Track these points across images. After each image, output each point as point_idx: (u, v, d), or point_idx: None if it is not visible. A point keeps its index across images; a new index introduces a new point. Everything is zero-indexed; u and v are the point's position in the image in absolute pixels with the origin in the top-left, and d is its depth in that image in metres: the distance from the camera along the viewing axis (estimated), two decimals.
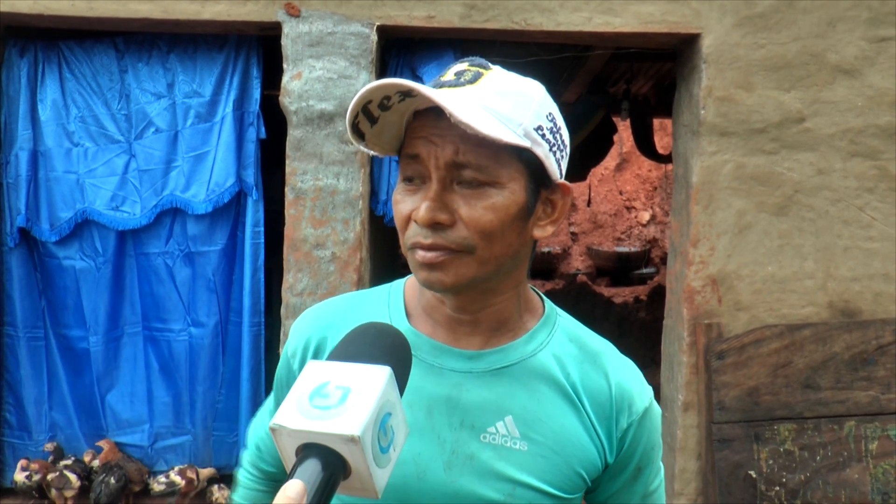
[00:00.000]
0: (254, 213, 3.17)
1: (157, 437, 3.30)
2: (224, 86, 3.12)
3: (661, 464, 1.04)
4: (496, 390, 0.93)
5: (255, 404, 3.18)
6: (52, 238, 3.15)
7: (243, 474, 1.16)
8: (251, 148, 3.15)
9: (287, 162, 2.94)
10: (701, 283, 2.94)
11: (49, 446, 3.20)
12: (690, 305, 2.94)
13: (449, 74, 0.89)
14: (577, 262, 9.29)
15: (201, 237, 3.19)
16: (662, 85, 5.23)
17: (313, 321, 1.02)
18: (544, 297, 1.04)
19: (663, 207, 9.54)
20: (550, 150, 0.89)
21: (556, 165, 0.90)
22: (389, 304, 1.01)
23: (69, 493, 3.09)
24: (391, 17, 2.89)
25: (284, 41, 2.90)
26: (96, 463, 3.16)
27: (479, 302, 0.93)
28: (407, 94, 0.83)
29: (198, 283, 3.23)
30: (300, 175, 2.94)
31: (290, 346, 1.02)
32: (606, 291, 7.60)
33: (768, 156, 2.92)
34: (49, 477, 3.09)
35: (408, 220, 0.88)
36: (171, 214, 3.19)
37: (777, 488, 2.83)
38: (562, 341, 0.98)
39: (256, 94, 3.14)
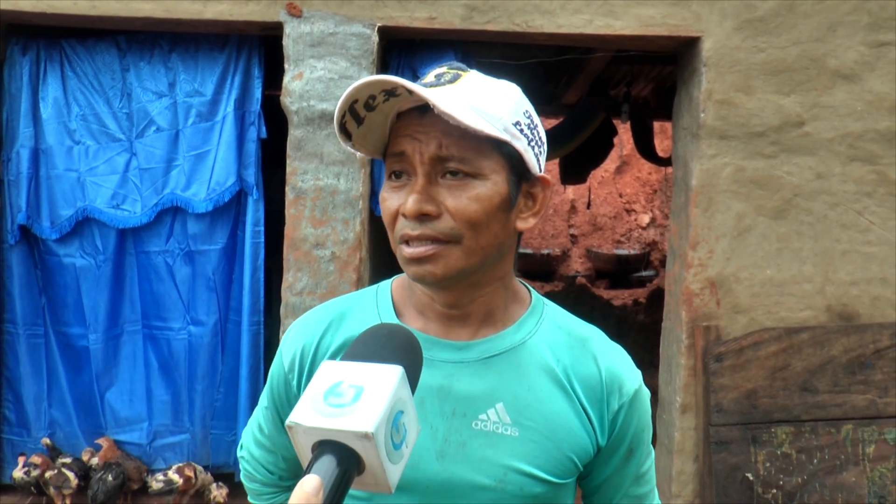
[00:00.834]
0: (254, 213, 3.18)
1: (155, 436, 3.31)
2: (225, 85, 3.13)
3: (652, 446, 1.06)
4: (487, 378, 0.95)
5: (254, 403, 3.19)
6: (52, 236, 3.16)
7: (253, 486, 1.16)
8: (252, 147, 3.16)
9: (287, 162, 2.95)
10: (699, 286, 2.95)
11: (46, 441, 3.20)
12: (689, 308, 2.95)
13: (429, 77, 0.93)
14: (577, 265, 9.30)
15: (201, 236, 3.20)
16: (663, 88, 5.23)
17: (304, 330, 1.03)
18: (531, 289, 1.07)
19: (663, 210, 9.55)
20: (529, 144, 0.92)
21: (535, 159, 0.94)
22: (378, 304, 1.03)
23: (67, 492, 3.10)
24: (392, 17, 2.90)
25: (286, 41, 2.91)
26: (95, 461, 3.17)
27: (468, 295, 0.96)
28: (391, 93, 0.86)
29: (198, 282, 3.24)
30: (300, 175, 2.94)
31: (286, 359, 1.02)
32: (605, 294, 7.62)
33: (767, 159, 2.93)
34: (47, 475, 3.09)
35: (395, 215, 0.91)
36: (172, 213, 3.19)
37: (774, 491, 2.84)
38: (550, 329, 1.00)
39: (258, 93, 3.15)
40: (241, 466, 1.17)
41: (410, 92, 0.84)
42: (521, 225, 0.95)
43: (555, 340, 0.99)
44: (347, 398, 0.65)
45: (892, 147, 2.94)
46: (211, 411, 3.30)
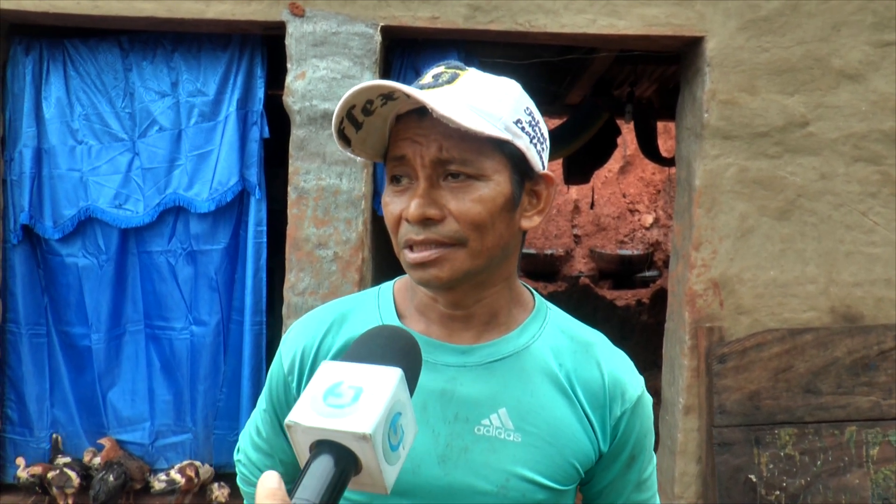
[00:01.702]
0: (256, 213, 3.18)
1: (157, 436, 3.31)
2: (228, 85, 3.13)
3: (654, 452, 1.05)
4: (490, 383, 0.94)
5: (256, 403, 3.18)
6: (55, 235, 3.16)
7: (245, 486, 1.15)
8: (254, 147, 3.16)
9: (290, 161, 2.95)
10: (703, 287, 2.94)
11: (55, 437, 3.22)
12: (692, 309, 2.94)
13: (427, 78, 0.92)
14: (580, 265, 9.29)
15: (204, 236, 3.20)
16: (666, 88, 5.23)
17: (304, 331, 1.02)
18: (534, 292, 1.06)
19: (666, 211, 9.53)
20: (531, 142, 0.91)
21: (537, 157, 0.92)
22: (379, 306, 1.02)
23: (70, 491, 3.10)
24: (395, 17, 2.89)
25: (288, 41, 2.91)
26: (97, 461, 3.17)
27: (473, 296, 0.95)
28: (389, 96, 0.85)
29: (200, 282, 3.24)
30: (303, 174, 2.94)
31: (286, 361, 1.01)
32: (609, 294, 7.61)
33: (771, 160, 2.92)
34: (49, 475, 3.09)
35: (399, 219, 0.90)
36: (174, 213, 3.19)
37: (777, 493, 2.83)
38: (553, 333, 0.99)
39: (260, 93, 3.15)
40: (237, 470, 1.15)
41: (408, 95, 0.83)
42: (525, 224, 0.94)
43: (558, 345, 0.98)
44: (346, 399, 0.66)
45: None
46: (213, 411, 3.30)
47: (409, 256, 0.89)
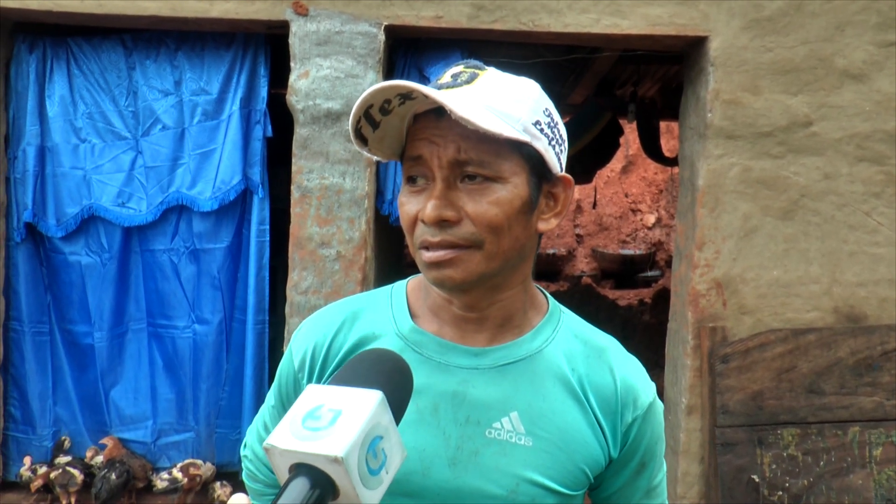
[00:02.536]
0: (259, 211, 3.18)
1: (160, 434, 3.31)
2: (231, 84, 3.13)
3: (664, 459, 1.05)
4: (502, 386, 0.93)
5: (259, 402, 3.19)
6: (58, 234, 3.17)
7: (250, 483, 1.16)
8: (257, 146, 3.16)
9: (293, 160, 2.95)
10: (706, 287, 2.94)
11: (65, 439, 3.24)
12: (695, 309, 2.94)
13: (446, 77, 0.90)
14: (582, 265, 9.29)
15: (207, 234, 3.20)
16: (669, 87, 5.22)
17: (316, 328, 1.02)
18: (548, 295, 1.05)
19: (669, 210, 9.53)
20: (549, 143, 0.90)
21: (555, 159, 0.92)
22: (392, 305, 1.01)
23: (73, 489, 3.10)
24: (399, 16, 2.89)
25: (292, 40, 2.91)
26: (99, 459, 3.17)
27: (488, 298, 0.94)
28: (407, 96, 0.84)
29: (203, 281, 3.24)
30: (306, 173, 2.94)
31: (297, 357, 1.01)
32: (611, 294, 7.61)
33: (775, 160, 2.92)
34: (52, 475, 3.10)
35: (415, 220, 0.89)
36: (177, 211, 3.20)
37: (780, 493, 2.83)
38: (567, 338, 0.98)
39: (263, 92, 3.15)
40: (243, 466, 1.16)
41: (426, 96, 0.82)
42: (542, 226, 0.93)
43: (571, 349, 0.97)
44: (324, 422, 0.66)
45: None
46: (216, 410, 3.30)
47: (424, 256, 0.88)
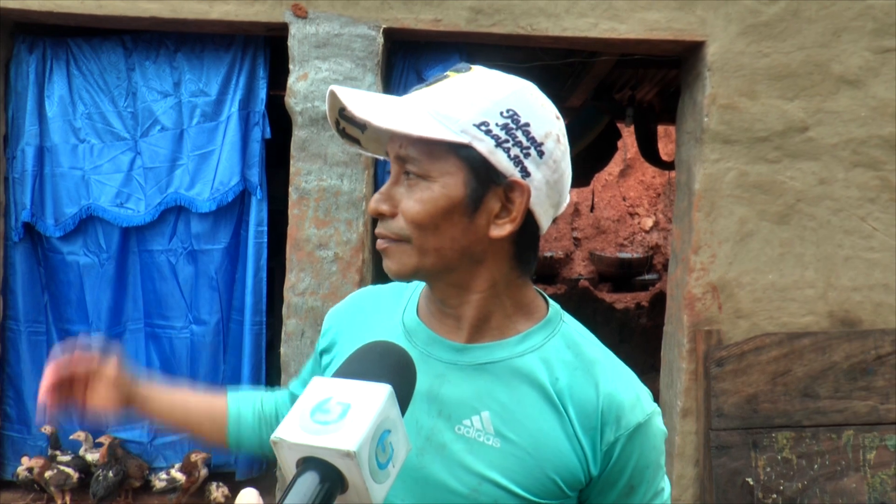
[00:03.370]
0: (257, 213, 3.19)
1: (156, 434, 3.32)
2: (230, 85, 3.14)
3: (665, 485, 1.00)
4: (477, 385, 0.93)
5: None
6: (56, 233, 3.17)
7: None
8: (256, 147, 3.17)
9: (291, 162, 2.96)
10: (701, 290, 2.95)
11: (47, 429, 3.21)
12: (691, 312, 2.95)
13: (429, 79, 0.94)
14: (580, 268, 9.29)
15: (205, 235, 3.20)
16: (667, 92, 5.23)
17: (332, 316, 1.11)
18: (551, 303, 1.02)
19: (666, 214, 9.54)
20: (499, 146, 0.87)
21: (508, 162, 0.87)
22: (409, 296, 1.06)
23: (67, 488, 3.10)
24: (398, 19, 2.90)
25: (291, 42, 2.92)
26: (96, 458, 3.17)
27: (455, 296, 0.95)
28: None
29: (200, 281, 3.25)
30: (304, 175, 2.95)
31: (319, 342, 1.11)
32: (608, 297, 7.61)
33: (771, 164, 2.93)
34: (47, 474, 3.10)
35: None
36: (176, 212, 3.20)
37: (774, 496, 2.84)
38: (558, 347, 0.96)
39: (262, 94, 3.16)
40: (273, 392, 1.26)
41: (344, 109, 0.88)
42: (494, 232, 0.90)
43: (559, 358, 0.95)
44: (334, 415, 0.65)
45: (895, 153, 2.94)
46: None
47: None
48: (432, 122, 0.86)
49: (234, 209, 3.20)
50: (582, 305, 7.13)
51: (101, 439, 3.22)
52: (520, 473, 0.90)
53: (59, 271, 3.24)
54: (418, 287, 1.06)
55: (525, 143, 0.88)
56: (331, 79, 2.91)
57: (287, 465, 0.65)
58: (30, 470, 3.12)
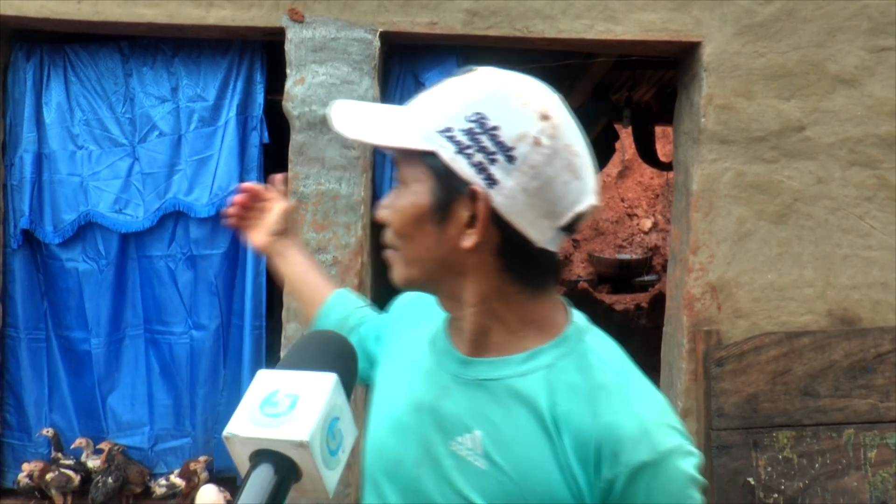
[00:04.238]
0: None
1: (157, 440, 3.31)
2: (228, 90, 3.15)
3: None
4: (474, 402, 0.89)
5: None
6: (55, 240, 3.17)
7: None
8: (254, 152, 3.17)
9: (289, 166, 2.96)
10: (700, 291, 2.95)
11: (48, 432, 3.20)
12: (690, 312, 2.95)
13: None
14: (579, 269, 9.30)
15: (204, 240, 3.20)
16: (664, 93, 5.24)
17: (393, 308, 1.17)
18: (574, 320, 0.94)
19: (665, 215, 9.55)
20: (460, 152, 0.82)
21: (470, 169, 0.82)
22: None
23: (69, 492, 3.10)
24: (394, 23, 2.91)
25: (288, 46, 2.92)
26: (97, 464, 3.17)
27: (454, 308, 0.93)
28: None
29: (199, 286, 3.24)
30: (302, 179, 2.95)
31: (381, 321, 1.18)
32: (608, 298, 7.62)
33: (768, 164, 2.94)
34: (48, 476, 3.10)
35: None
36: (174, 218, 3.20)
37: (775, 495, 2.84)
38: (568, 369, 0.87)
39: (260, 98, 3.17)
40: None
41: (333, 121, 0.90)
42: (464, 242, 0.84)
43: (565, 381, 0.86)
44: (283, 407, 0.66)
45: (892, 151, 2.95)
46: (213, 415, 3.30)
47: None
48: (406, 130, 0.85)
49: None
50: (581, 307, 7.02)
51: (102, 445, 3.21)
52: (500, 499, 0.84)
53: (58, 278, 3.24)
54: None
55: (491, 148, 0.81)
56: (328, 83, 2.92)
57: (241, 459, 0.66)
58: (30, 475, 3.12)
